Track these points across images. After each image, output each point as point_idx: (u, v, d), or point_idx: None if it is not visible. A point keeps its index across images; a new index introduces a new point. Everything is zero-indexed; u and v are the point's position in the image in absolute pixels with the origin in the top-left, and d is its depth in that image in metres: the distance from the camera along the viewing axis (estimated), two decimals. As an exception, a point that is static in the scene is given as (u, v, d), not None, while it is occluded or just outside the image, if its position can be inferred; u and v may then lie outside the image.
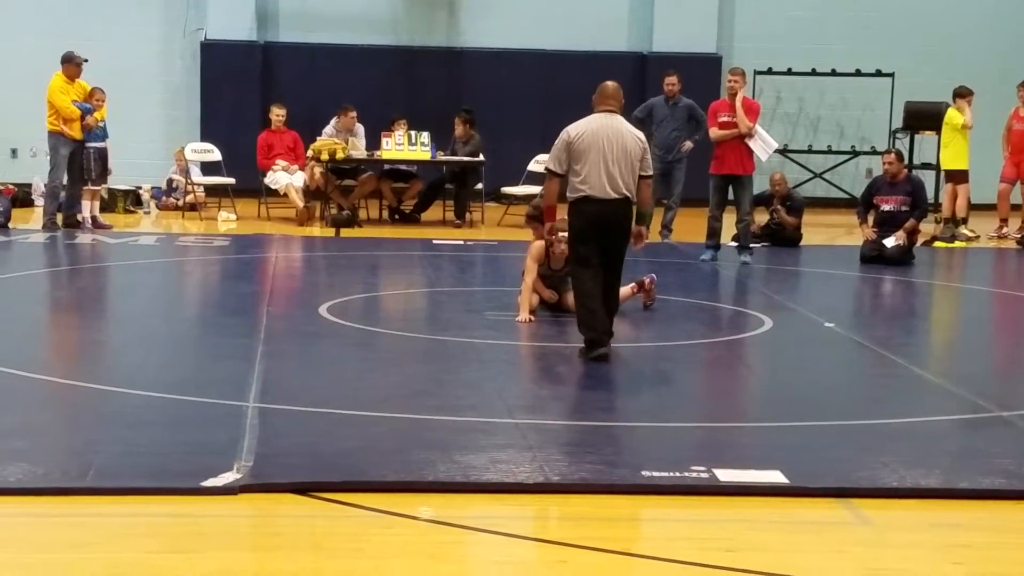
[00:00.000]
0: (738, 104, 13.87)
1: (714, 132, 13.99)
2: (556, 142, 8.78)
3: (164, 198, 18.30)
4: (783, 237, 15.45)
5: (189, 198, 17.79)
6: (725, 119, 13.93)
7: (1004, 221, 17.40)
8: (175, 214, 17.76)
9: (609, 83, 8.96)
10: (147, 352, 8.95)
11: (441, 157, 17.13)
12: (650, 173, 8.86)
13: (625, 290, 9.99)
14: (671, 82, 15.64)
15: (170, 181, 18.33)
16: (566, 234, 9.47)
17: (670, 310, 10.84)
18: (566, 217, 9.00)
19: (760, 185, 15.62)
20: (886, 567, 5.21)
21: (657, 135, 15.41)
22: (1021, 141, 17.24)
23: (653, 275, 10.68)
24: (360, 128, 17.37)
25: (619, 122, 8.78)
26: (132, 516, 5.52)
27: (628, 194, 8.65)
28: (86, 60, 15.65)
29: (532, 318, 10.00)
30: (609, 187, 8.57)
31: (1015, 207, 17.68)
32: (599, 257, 8.68)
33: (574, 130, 8.70)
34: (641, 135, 8.91)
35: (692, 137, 15.53)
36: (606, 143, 8.60)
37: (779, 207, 15.51)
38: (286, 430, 6.75)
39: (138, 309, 11.03)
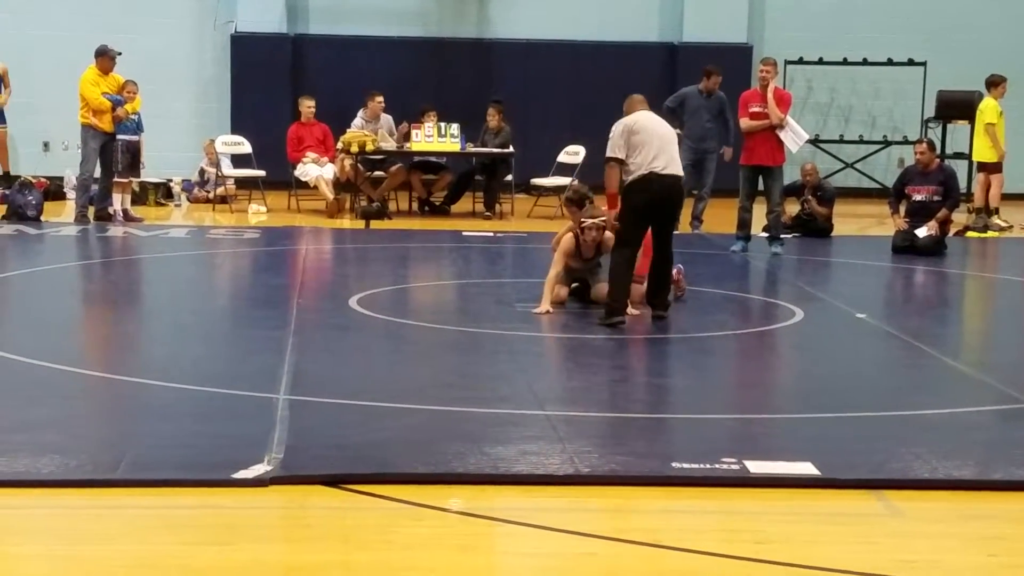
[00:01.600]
0: (769, 95, 13.80)
1: (745, 123, 13.92)
2: (613, 134, 9.63)
3: (195, 191, 18.36)
4: (814, 227, 15.38)
5: (220, 190, 17.84)
6: (756, 109, 13.86)
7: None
8: (206, 207, 17.81)
9: (635, 95, 10.03)
10: (178, 344, 8.98)
11: (471, 149, 17.12)
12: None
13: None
14: (716, 82, 15.53)
15: (201, 172, 18.39)
16: (598, 220, 9.86)
17: (701, 301, 10.81)
18: (599, 207, 9.86)
19: (791, 175, 15.55)
20: (918, 559, 5.18)
21: (690, 125, 15.33)
22: None
23: (680, 266, 10.61)
24: (388, 119, 17.36)
25: (657, 116, 9.94)
26: (163, 508, 5.55)
27: (680, 173, 9.71)
28: (120, 53, 15.69)
29: (552, 310, 9.97)
30: (671, 165, 9.57)
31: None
32: (655, 232, 9.63)
33: (630, 120, 9.65)
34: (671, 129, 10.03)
35: (726, 141, 15.49)
36: (660, 130, 9.68)
37: (810, 197, 15.44)
38: (316, 422, 6.77)
39: (169, 302, 11.08)
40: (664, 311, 9.74)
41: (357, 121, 17.17)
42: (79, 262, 13.40)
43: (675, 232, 10.08)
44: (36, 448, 6.12)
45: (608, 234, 9.86)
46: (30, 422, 6.64)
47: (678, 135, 11.45)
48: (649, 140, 9.56)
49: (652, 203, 9.55)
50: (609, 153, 9.66)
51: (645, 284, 9.81)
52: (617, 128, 9.67)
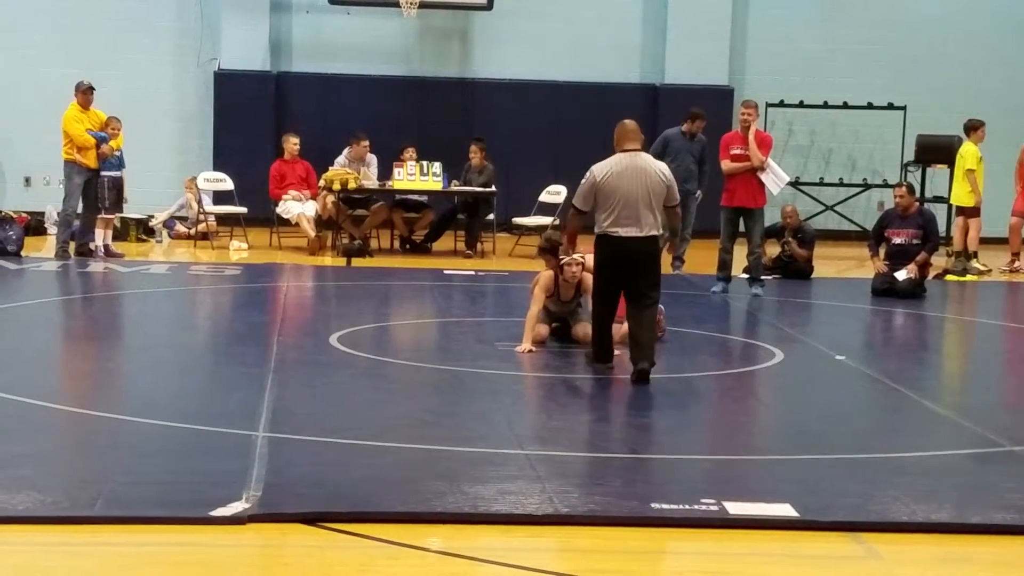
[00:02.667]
0: (751, 137, 13.87)
1: (726, 164, 13.99)
2: (583, 182, 9.11)
3: (176, 226, 18.36)
4: (794, 269, 15.44)
5: (201, 227, 17.83)
6: (737, 151, 13.93)
7: (1016, 255, 17.36)
8: (187, 243, 17.81)
9: (628, 121, 9.26)
10: (157, 381, 8.96)
11: (454, 187, 17.17)
12: (676, 202, 9.36)
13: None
14: (700, 126, 15.64)
15: (181, 207, 18.38)
16: (579, 256, 9.85)
17: (681, 342, 10.82)
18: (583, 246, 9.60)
19: (772, 217, 15.62)
20: (896, 602, 5.18)
21: (673, 167, 15.35)
22: None
23: (660, 307, 10.60)
24: (373, 158, 17.43)
25: (644, 161, 9.13)
26: (140, 546, 5.51)
27: (654, 232, 9.03)
28: (93, 88, 15.66)
29: (534, 349, 9.99)
30: (634, 226, 8.95)
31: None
32: (629, 291, 9.09)
33: (600, 171, 9.04)
34: (666, 170, 9.23)
35: (701, 183, 15.58)
36: (632, 184, 8.94)
37: (790, 239, 15.51)
38: (295, 460, 6.75)
39: (149, 338, 11.05)
40: (648, 363, 8.92)
41: (340, 159, 17.22)
42: (59, 297, 13.36)
43: (653, 296, 9.13)
44: (11, 484, 6.09)
45: (587, 274, 9.82)
46: (5, 458, 6.59)
47: None
48: (612, 199, 8.92)
49: (613, 263, 9.06)
50: (574, 200, 9.30)
51: (624, 325, 9.64)
52: (586, 178, 9.09)
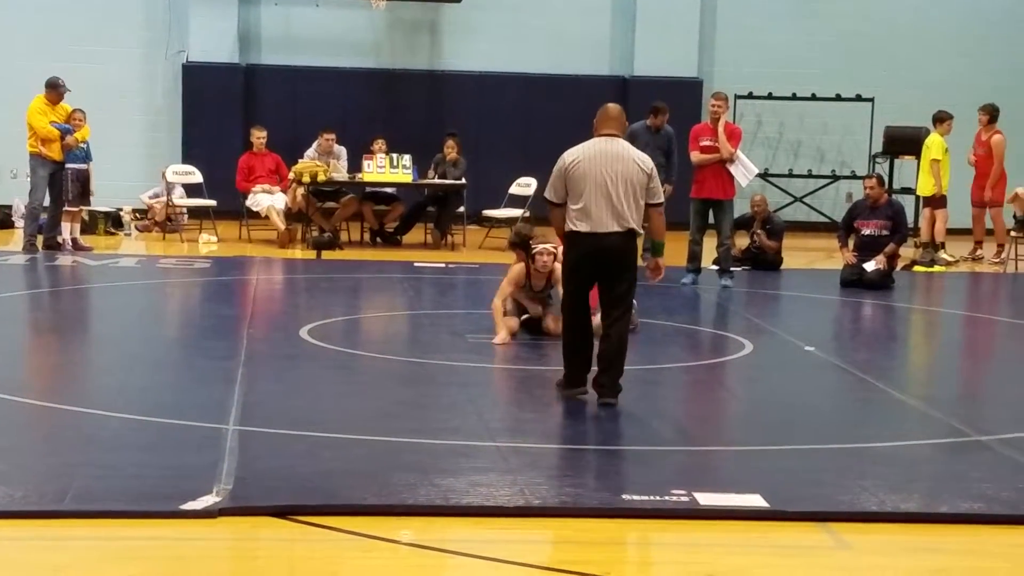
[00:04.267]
0: (720, 129, 13.91)
1: (695, 156, 14.02)
2: (554, 169, 8.15)
3: (144, 218, 18.31)
4: (763, 261, 15.50)
5: (167, 213, 17.77)
6: (707, 143, 13.96)
7: (979, 244, 17.52)
8: (156, 236, 17.73)
9: (611, 105, 8.36)
10: (127, 375, 8.92)
11: (428, 180, 17.16)
12: (660, 201, 8.20)
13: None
14: (663, 120, 15.57)
15: (154, 195, 18.29)
16: (548, 246, 9.52)
17: (651, 334, 10.85)
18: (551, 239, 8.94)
19: (741, 208, 15.66)
20: (866, 591, 5.21)
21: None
22: (982, 165, 17.39)
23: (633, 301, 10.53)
24: (342, 150, 17.40)
25: (621, 147, 8.11)
26: (110, 540, 5.50)
27: (632, 226, 7.99)
28: (69, 91, 15.60)
29: (510, 340, 9.99)
30: (608, 218, 7.92)
31: (989, 231, 17.75)
32: (603, 295, 8.14)
33: (570, 156, 8.07)
34: (647, 160, 8.19)
35: (668, 177, 15.54)
36: (605, 170, 7.94)
37: (759, 231, 15.56)
38: (265, 453, 6.74)
39: (118, 331, 11.00)
40: (613, 397, 8.02)
41: (310, 152, 17.20)
42: (27, 291, 13.29)
43: (628, 301, 8.22)
44: (-19, 479, 6.06)
45: (559, 264, 9.49)
46: (-25, 452, 6.57)
47: None
48: (584, 185, 7.94)
49: (583, 262, 8.06)
50: (545, 193, 8.28)
51: (598, 315, 9.17)
52: (557, 165, 8.14)
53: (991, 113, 17.34)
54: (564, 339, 8.28)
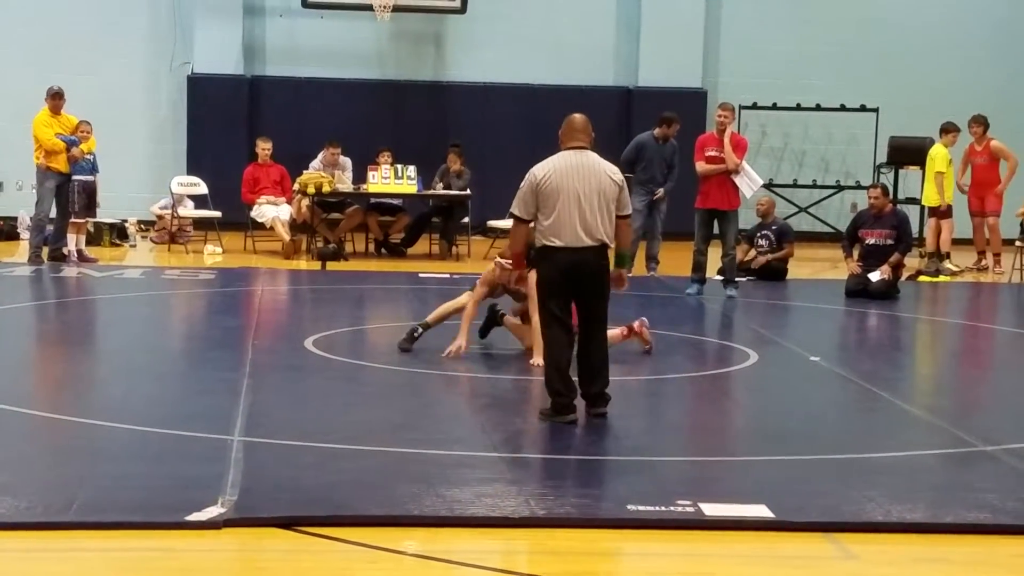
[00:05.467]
0: (726, 140, 13.90)
1: (701, 166, 14.01)
2: (522, 184, 7.96)
3: (151, 230, 18.36)
4: (769, 270, 15.50)
5: (174, 228, 17.81)
6: (712, 153, 13.96)
7: (982, 254, 17.52)
8: (161, 247, 17.77)
9: (577, 116, 8.15)
10: (131, 386, 8.93)
11: (434, 191, 17.19)
12: (628, 212, 8.05)
13: (614, 333, 9.54)
14: (675, 131, 15.61)
15: (164, 207, 18.33)
16: (505, 262, 9.27)
17: (656, 344, 10.83)
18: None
19: (746, 218, 15.67)
20: (871, 602, 5.20)
21: (645, 173, 15.48)
22: (982, 174, 17.39)
23: (643, 318, 10.37)
24: (347, 161, 17.43)
25: (592, 159, 7.95)
26: (116, 551, 5.50)
27: (604, 239, 7.83)
28: (62, 92, 15.54)
29: (465, 347, 9.77)
30: (582, 233, 7.75)
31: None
32: (581, 311, 7.95)
33: (540, 171, 7.87)
34: (617, 172, 8.07)
35: (665, 184, 15.56)
36: (577, 184, 7.78)
37: (767, 232, 15.67)
38: (271, 464, 6.73)
39: (123, 342, 11.01)
40: (602, 407, 7.91)
41: (315, 163, 17.23)
42: (32, 303, 13.31)
43: (604, 315, 8.02)
44: (-13, 490, 6.07)
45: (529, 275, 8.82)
46: (-19, 464, 6.57)
47: (627, 178, 10.73)
48: (556, 199, 7.75)
49: (560, 277, 7.81)
50: (512, 208, 7.99)
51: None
52: (526, 179, 7.95)
53: (985, 124, 17.34)
54: (548, 364, 7.96)
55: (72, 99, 15.74)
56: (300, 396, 8.54)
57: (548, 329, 7.97)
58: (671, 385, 9.55)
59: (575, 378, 7.97)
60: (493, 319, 10.44)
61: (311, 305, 13.84)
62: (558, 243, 7.77)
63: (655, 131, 15.67)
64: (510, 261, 8.74)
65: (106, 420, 7.67)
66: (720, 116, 14.17)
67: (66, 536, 5.62)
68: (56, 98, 15.55)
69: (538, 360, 8.92)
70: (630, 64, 20.36)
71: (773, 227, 15.77)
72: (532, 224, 7.94)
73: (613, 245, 8.03)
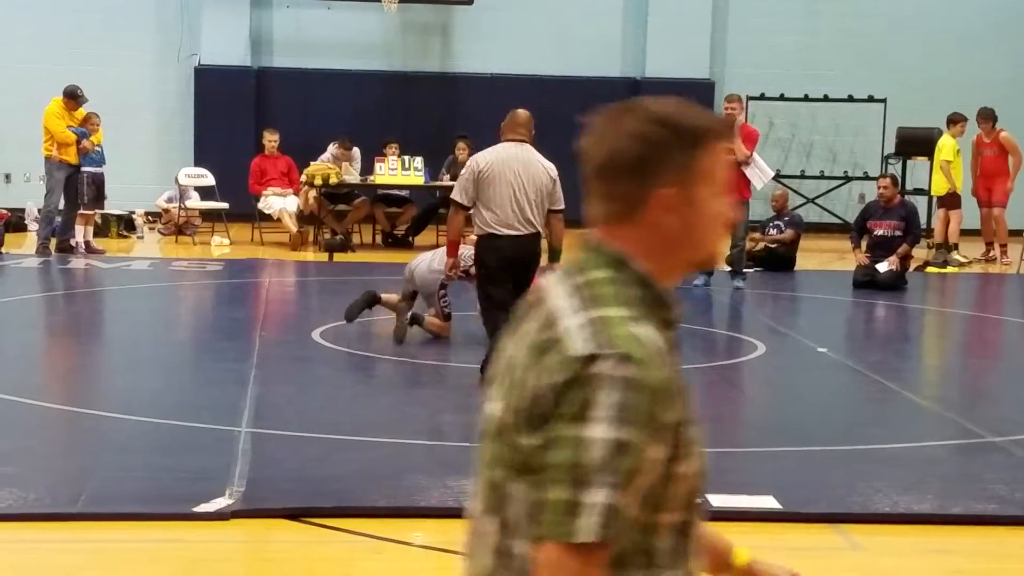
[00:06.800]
0: (735, 131, 13.85)
1: (709, 157, 13.96)
2: (463, 172, 8.35)
3: (158, 222, 18.37)
4: (777, 258, 15.47)
5: (181, 220, 17.82)
6: (721, 144, 13.91)
7: (990, 245, 17.50)
8: (169, 239, 17.79)
9: (521, 111, 8.56)
10: (140, 377, 8.94)
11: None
12: (561, 207, 8.30)
13: None
14: (732, 108, 15.54)
15: (170, 199, 18.34)
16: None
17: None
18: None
19: (756, 209, 15.65)
20: (879, 593, 5.20)
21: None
22: (987, 167, 17.37)
23: None
24: (356, 152, 17.42)
25: (529, 152, 8.30)
26: (124, 542, 5.51)
27: (538, 228, 8.16)
28: (87, 100, 15.62)
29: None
30: (518, 220, 8.08)
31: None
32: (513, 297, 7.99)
33: (482, 160, 8.23)
34: (552, 167, 8.34)
35: None
36: (514, 174, 8.12)
37: (778, 222, 15.66)
38: (278, 455, 6.74)
39: (131, 334, 11.02)
40: None
41: (325, 155, 17.23)
42: (40, 294, 13.32)
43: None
44: (-5, 481, 6.08)
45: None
46: (-11, 455, 6.58)
47: None
48: (495, 187, 8.06)
49: (501, 267, 8.15)
50: (452, 194, 8.37)
51: None
52: (467, 167, 8.34)
53: (992, 118, 17.30)
54: (493, 339, 8.05)
55: (86, 97, 15.72)
56: (307, 387, 8.55)
57: (487, 313, 8.30)
58: (678, 376, 9.53)
59: None
60: (415, 320, 10.32)
61: (318, 296, 13.84)
62: (498, 231, 8.10)
63: None
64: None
65: (114, 411, 7.68)
66: (728, 108, 14.12)
67: (74, 527, 5.63)
68: (74, 99, 15.49)
69: None
70: (637, 55, 20.33)
71: (786, 218, 15.74)
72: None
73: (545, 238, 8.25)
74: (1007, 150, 17.30)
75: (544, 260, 8.30)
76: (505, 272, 8.14)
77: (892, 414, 8.40)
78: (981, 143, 17.46)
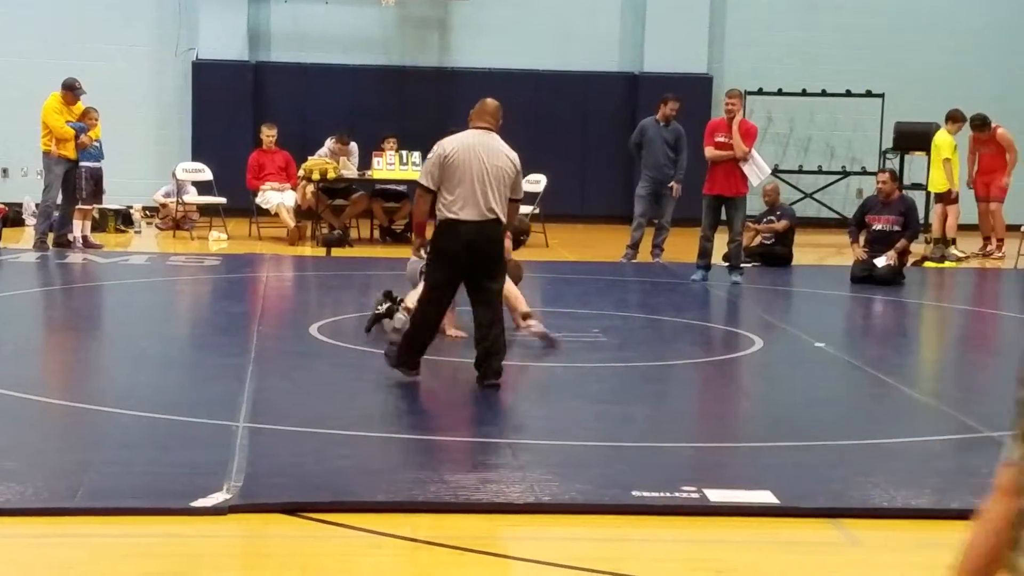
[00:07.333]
0: (735, 127, 13.84)
1: (710, 151, 13.97)
2: (429, 156, 8.48)
3: (155, 216, 18.36)
4: (774, 255, 15.48)
5: (178, 215, 17.81)
6: (721, 139, 13.91)
7: (987, 240, 17.52)
8: (167, 233, 17.78)
9: (490, 100, 8.72)
10: (137, 372, 8.94)
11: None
12: (520, 196, 8.57)
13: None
14: (674, 108, 15.54)
15: (167, 194, 18.34)
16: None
17: (661, 330, 10.85)
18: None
19: (753, 204, 15.64)
20: (876, 588, 5.20)
21: (648, 156, 15.48)
22: (985, 162, 17.36)
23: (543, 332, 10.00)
24: (354, 146, 17.41)
25: (495, 140, 8.46)
26: (121, 537, 5.51)
27: (501, 216, 8.26)
28: (85, 92, 15.63)
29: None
30: (483, 207, 8.18)
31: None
32: (469, 286, 8.36)
33: (449, 145, 8.35)
34: (516, 157, 8.49)
35: (676, 175, 15.48)
36: (480, 161, 8.24)
37: (770, 217, 15.64)
38: (276, 450, 6.74)
39: (128, 329, 11.02)
40: (495, 379, 8.22)
41: (323, 150, 17.22)
42: (38, 288, 13.32)
43: (495, 287, 8.40)
44: (-8, 476, 6.07)
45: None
46: (-14, 450, 6.58)
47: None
48: (461, 173, 8.17)
49: (455, 251, 8.21)
50: (419, 178, 8.51)
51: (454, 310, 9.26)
52: (433, 151, 8.43)
53: (983, 122, 17.26)
54: (411, 330, 8.40)
55: (83, 89, 15.72)
56: (305, 382, 8.55)
57: (427, 296, 8.38)
58: (676, 371, 9.55)
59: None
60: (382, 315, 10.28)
61: (316, 291, 13.84)
62: (460, 216, 8.15)
63: (657, 114, 15.66)
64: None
65: (111, 406, 7.67)
66: (728, 104, 14.10)
67: (72, 522, 5.62)
68: (72, 92, 15.51)
69: (529, 323, 9.67)
70: (635, 50, 20.33)
71: (777, 212, 15.76)
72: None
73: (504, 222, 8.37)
74: (1004, 147, 17.31)
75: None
76: (461, 258, 8.21)
77: (890, 409, 8.40)
78: (978, 139, 17.47)
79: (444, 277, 8.31)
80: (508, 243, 9.34)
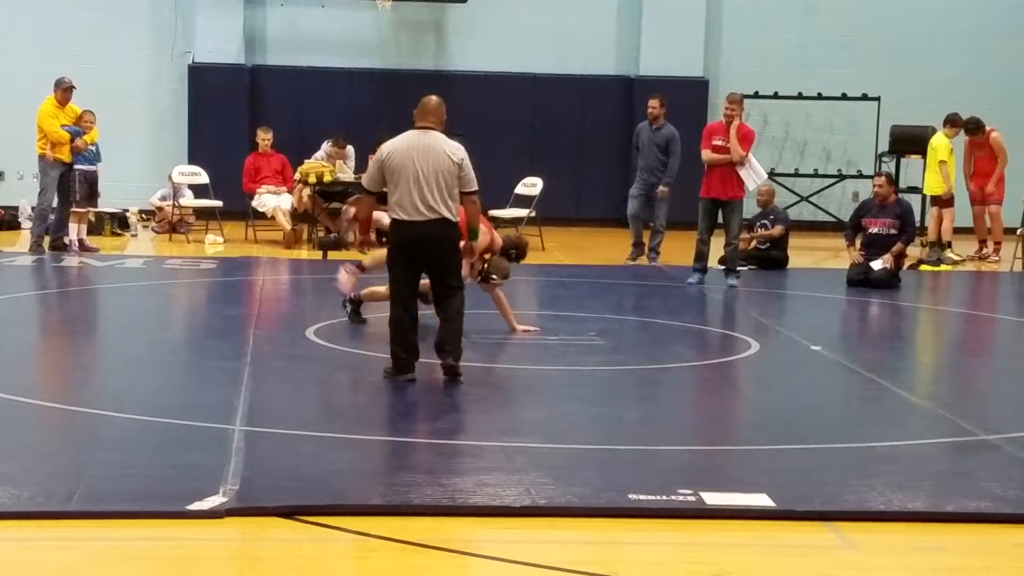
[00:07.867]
0: (732, 131, 13.84)
1: (706, 154, 13.97)
2: (372, 159, 8.61)
3: (151, 220, 18.36)
4: (770, 259, 15.49)
5: (175, 218, 17.80)
6: (718, 143, 13.91)
7: (983, 243, 17.53)
8: (163, 237, 17.77)
9: (432, 98, 8.65)
10: (133, 375, 8.93)
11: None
12: (473, 189, 8.47)
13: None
14: (652, 105, 15.62)
15: (163, 197, 18.33)
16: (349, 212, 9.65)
17: (657, 333, 10.85)
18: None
19: (750, 208, 15.66)
20: (872, 590, 5.20)
21: (642, 160, 15.53)
22: (980, 165, 17.38)
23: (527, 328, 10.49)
24: (351, 150, 17.42)
25: (434, 139, 8.43)
26: (118, 540, 5.50)
27: (446, 214, 8.29)
28: (74, 87, 15.62)
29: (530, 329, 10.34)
30: (421, 207, 8.25)
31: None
32: (432, 281, 8.60)
33: (387, 148, 8.46)
34: (457, 150, 8.47)
35: (664, 178, 15.48)
36: (417, 162, 8.28)
37: (764, 221, 15.64)
38: (272, 453, 6.74)
39: (125, 332, 11.01)
40: (454, 366, 8.48)
41: (319, 154, 17.22)
42: (34, 292, 13.30)
43: (453, 284, 8.59)
44: (-12, 479, 6.07)
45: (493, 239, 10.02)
46: (-17, 453, 6.57)
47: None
48: (398, 175, 8.27)
49: (405, 250, 8.40)
50: (362, 180, 8.63)
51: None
52: (376, 155, 8.60)
53: (977, 126, 17.27)
54: (391, 328, 8.52)
55: (72, 83, 15.72)
56: (301, 385, 8.55)
57: (392, 293, 8.60)
58: (672, 374, 9.55)
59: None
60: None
61: (312, 294, 13.83)
62: (402, 216, 8.32)
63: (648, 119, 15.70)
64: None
65: (107, 410, 7.67)
66: (727, 108, 14.09)
67: (68, 525, 5.62)
68: (67, 91, 15.53)
69: (522, 327, 10.19)
70: (631, 53, 20.33)
71: (771, 216, 15.77)
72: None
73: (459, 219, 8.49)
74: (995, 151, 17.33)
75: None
76: (405, 256, 8.41)
77: (885, 412, 8.41)
78: (973, 143, 17.50)
79: (400, 272, 8.49)
80: (488, 239, 9.66)
